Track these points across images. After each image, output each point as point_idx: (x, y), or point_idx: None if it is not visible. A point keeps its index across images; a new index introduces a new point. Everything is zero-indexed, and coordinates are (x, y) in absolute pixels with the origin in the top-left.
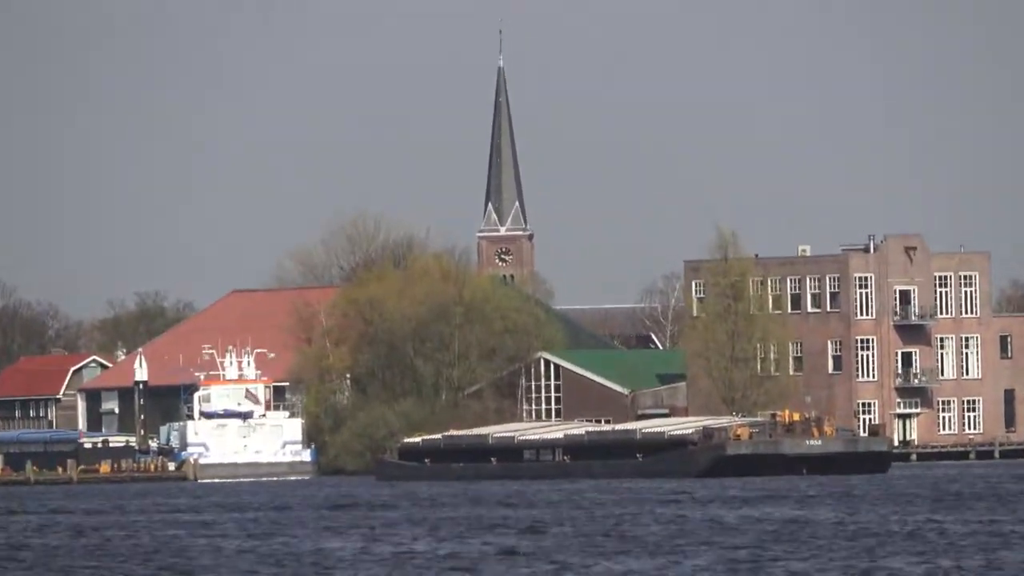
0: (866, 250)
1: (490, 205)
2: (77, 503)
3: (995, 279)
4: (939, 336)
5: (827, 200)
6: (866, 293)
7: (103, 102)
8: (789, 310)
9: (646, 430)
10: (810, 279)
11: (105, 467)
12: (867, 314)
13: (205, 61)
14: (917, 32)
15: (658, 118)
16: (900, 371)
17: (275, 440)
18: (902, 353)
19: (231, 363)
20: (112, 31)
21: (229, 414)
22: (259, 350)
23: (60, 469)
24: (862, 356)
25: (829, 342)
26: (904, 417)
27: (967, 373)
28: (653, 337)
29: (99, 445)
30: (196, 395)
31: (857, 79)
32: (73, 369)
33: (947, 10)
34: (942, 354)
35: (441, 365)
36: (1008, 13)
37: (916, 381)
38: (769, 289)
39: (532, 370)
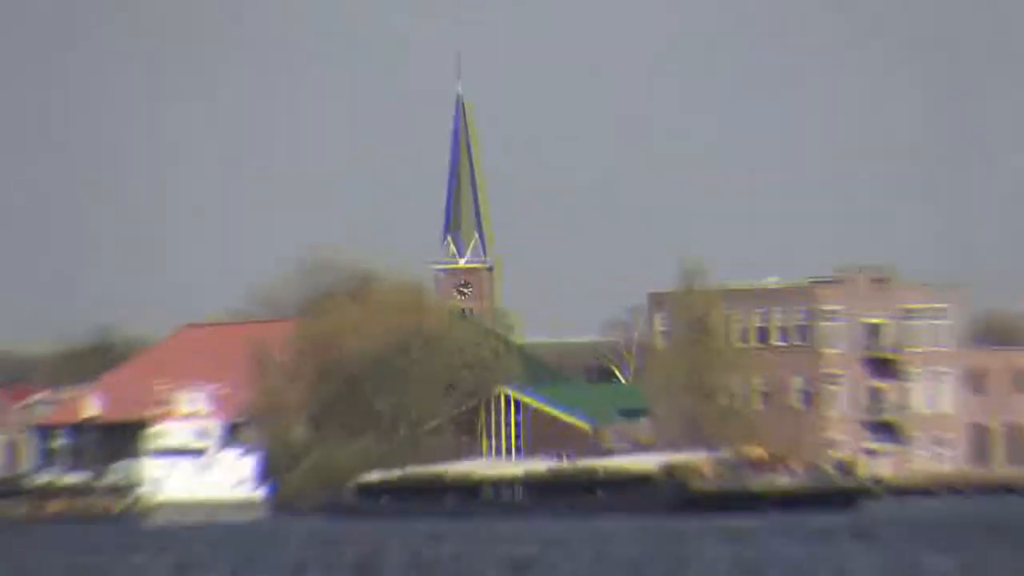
0: (835, 282)
1: (449, 237)
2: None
3: (967, 312)
4: (910, 370)
5: (795, 230)
6: (835, 326)
7: (51, 129)
8: (756, 343)
9: (608, 467)
10: (777, 311)
11: (55, 506)
12: (836, 348)
13: (156, 91)
14: (888, 57)
15: (623, 145)
16: (870, 406)
17: (229, 478)
18: (872, 388)
19: (184, 399)
20: (63, 64)
21: (182, 452)
22: (213, 385)
23: None
24: (831, 391)
25: (797, 377)
26: (874, 453)
27: (938, 408)
28: (616, 371)
29: (50, 483)
30: (148, 432)
31: (827, 107)
32: (23, 404)
33: (919, 34)
34: (913, 389)
35: (399, 401)
36: (982, 33)
37: (886, 416)
38: (735, 322)
39: (492, 406)
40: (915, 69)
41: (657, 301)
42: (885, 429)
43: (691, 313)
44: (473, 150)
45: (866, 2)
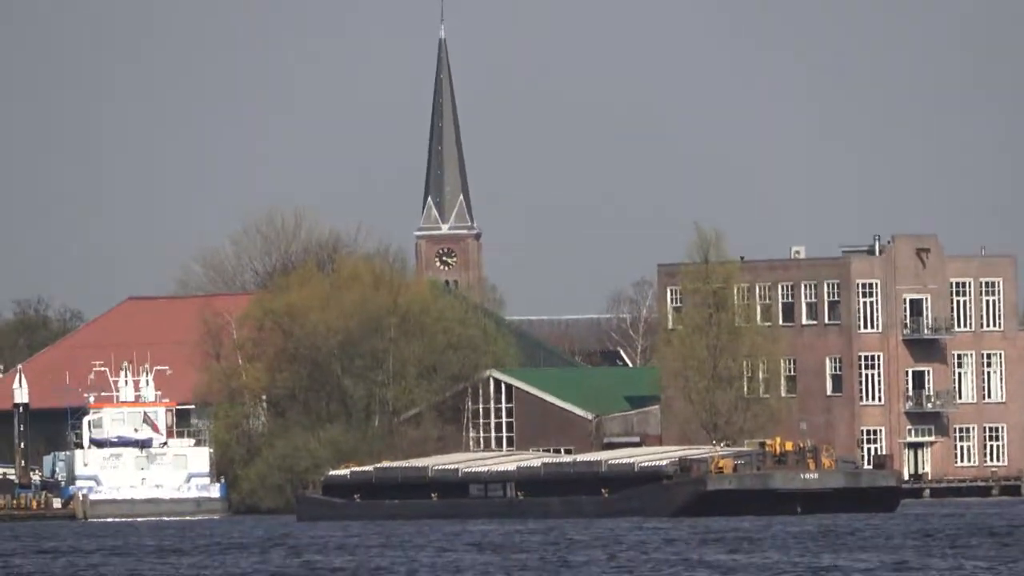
0: (871, 252)
1: (430, 199)
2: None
3: (1021, 287)
4: (956, 353)
5: (825, 194)
6: (871, 302)
7: None
8: (781, 322)
9: (613, 462)
10: (805, 286)
11: None
12: (872, 327)
13: (106, 48)
14: (928, 21)
15: (627, 99)
16: (911, 393)
17: (178, 473)
18: (913, 372)
19: (126, 382)
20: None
21: (124, 442)
22: (159, 367)
23: None
24: (866, 376)
25: (828, 359)
26: (915, 447)
27: (989, 396)
28: (622, 353)
29: None
30: (86, 420)
31: (861, 59)
32: None
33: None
34: (960, 374)
35: (373, 385)
36: None
37: (929, 405)
38: (757, 297)
39: (480, 391)
40: (956, 33)
41: (668, 274)
42: (928, 419)
43: (707, 287)
44: (458, 102)
45: None
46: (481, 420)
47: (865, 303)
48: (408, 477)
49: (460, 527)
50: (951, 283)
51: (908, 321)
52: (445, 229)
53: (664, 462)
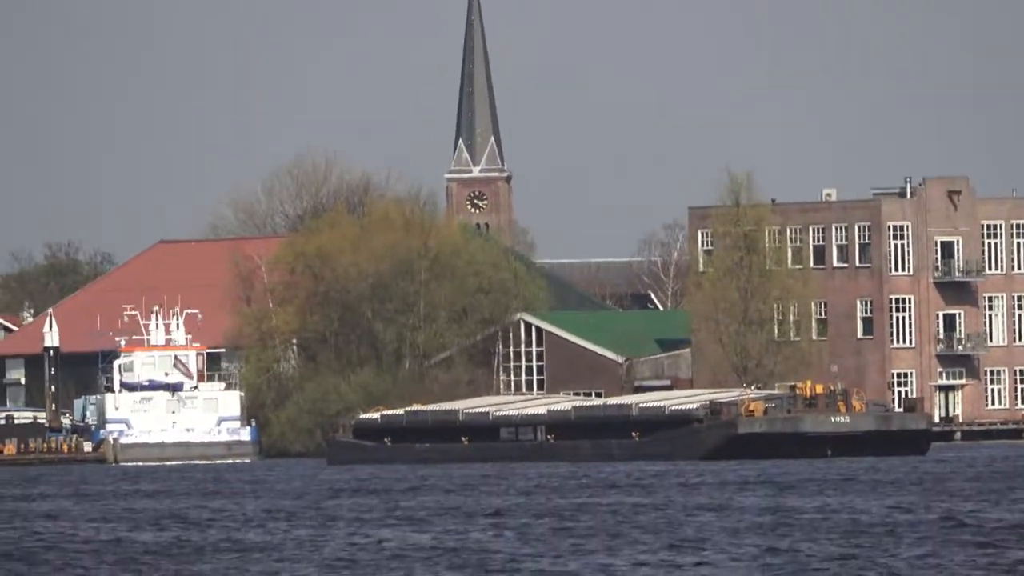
0: (902, 195)
1: (461, 142)
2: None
3: None
4: (988, 295)
5: (856, 137)
6: (902, 245)
7: (10, 38)
8: (812, 265)
9: (644, 405)
10: (836, 228)
11: (10, 447)
12: (903, 270)
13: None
14: None
15: (659, 41)
16: (942, 336)
17: (209, 416)
18: (944, 315)
19: (157, 326)
20: None
21: (155, 386)
22: (190, 311)
23: None
24: (897, 319)
25: (859, 302)
26: (947, 390)
27: (1020, 338)
28: (652, 296)
29: (2, 421)
30: (116, 363)
31: (890, 7)
32: None
33: None
34: (991, 316)
35: (404, 329)
36: None
37: (961, 348)
38: (788, 240)
39: (510, 334)
40: None
41: (700, 217)
42: (959, 362)
43: (738, 230)
44: (488, 44)
45: None
46: (512, 363)
47: (896, 245)
48: (439, 421)
49: (492, 470)
50: (982, 225)
51: (939, 264)
52: (476, 172)
53: (695, 405)
